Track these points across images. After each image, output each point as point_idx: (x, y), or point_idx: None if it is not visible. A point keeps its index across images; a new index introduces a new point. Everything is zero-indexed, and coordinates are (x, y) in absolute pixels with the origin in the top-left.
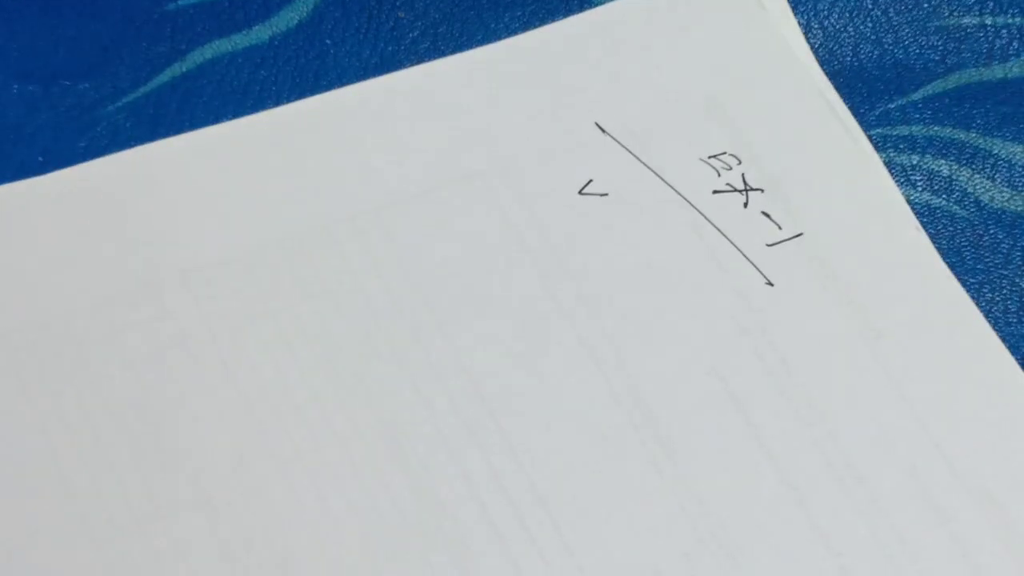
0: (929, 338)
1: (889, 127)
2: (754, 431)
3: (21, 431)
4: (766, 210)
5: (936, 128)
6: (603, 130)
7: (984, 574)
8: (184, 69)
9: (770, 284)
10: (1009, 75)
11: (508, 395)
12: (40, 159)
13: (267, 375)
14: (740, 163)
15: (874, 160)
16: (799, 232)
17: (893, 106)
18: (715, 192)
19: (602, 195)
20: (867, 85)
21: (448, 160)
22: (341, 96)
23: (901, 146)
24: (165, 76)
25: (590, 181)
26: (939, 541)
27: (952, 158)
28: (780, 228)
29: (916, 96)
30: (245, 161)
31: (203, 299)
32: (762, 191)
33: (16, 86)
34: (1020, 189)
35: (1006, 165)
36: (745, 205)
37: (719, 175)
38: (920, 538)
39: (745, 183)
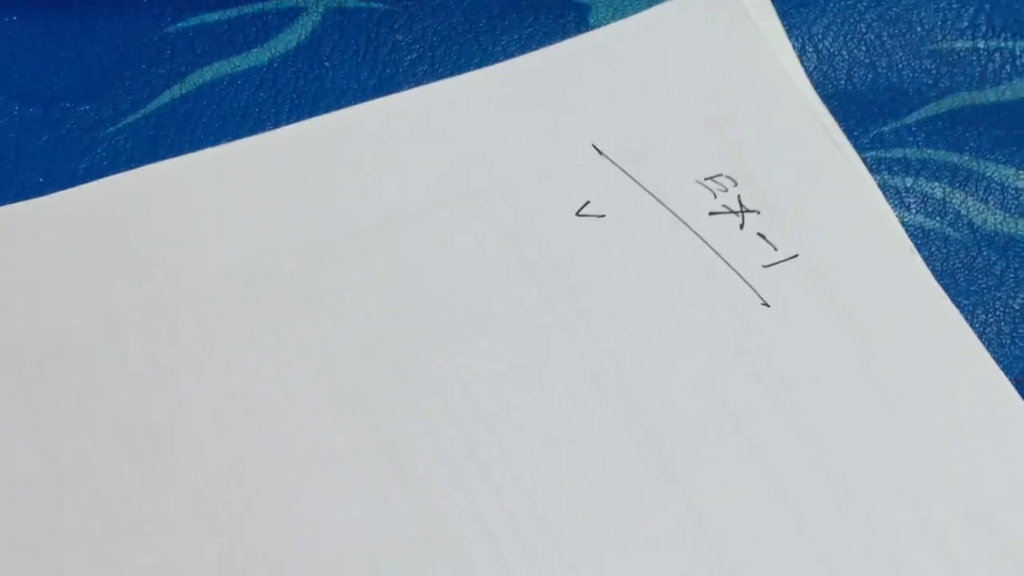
0: (923, 358)
1: (883, 150)
2: (753, 449)
3: (23, 446)
4: (762, 231)
5: (929, 151)
6: (600, 152)
7: None
8: (184, 91)
9: (766, 305)
10: (1002, 99)
11: (507, 411)
12: (40, 180)
13: (267, 390)
14: (736, 185)
15: (868, 182)
16: (795, 253)
17: (887, 129)
18: (711, 213)
19: (599, 216)
20: (861, 108)
21: (447, 180)
22: (340, 118)
23: (895, 168)
24: (165, 98)
25: (587, 202)
26: (933, 561)
27: (945, 181)
28: (776, 249)
29: (909, 119)
30: (245, 181)
31: (204, 316)
32: (758, 213)
33: (17, 108)
34: (1013, 212)
35: (999, 188)
36: (741, 227)
37: (715, 197)
38: (914, 558)
39: (741, 205)
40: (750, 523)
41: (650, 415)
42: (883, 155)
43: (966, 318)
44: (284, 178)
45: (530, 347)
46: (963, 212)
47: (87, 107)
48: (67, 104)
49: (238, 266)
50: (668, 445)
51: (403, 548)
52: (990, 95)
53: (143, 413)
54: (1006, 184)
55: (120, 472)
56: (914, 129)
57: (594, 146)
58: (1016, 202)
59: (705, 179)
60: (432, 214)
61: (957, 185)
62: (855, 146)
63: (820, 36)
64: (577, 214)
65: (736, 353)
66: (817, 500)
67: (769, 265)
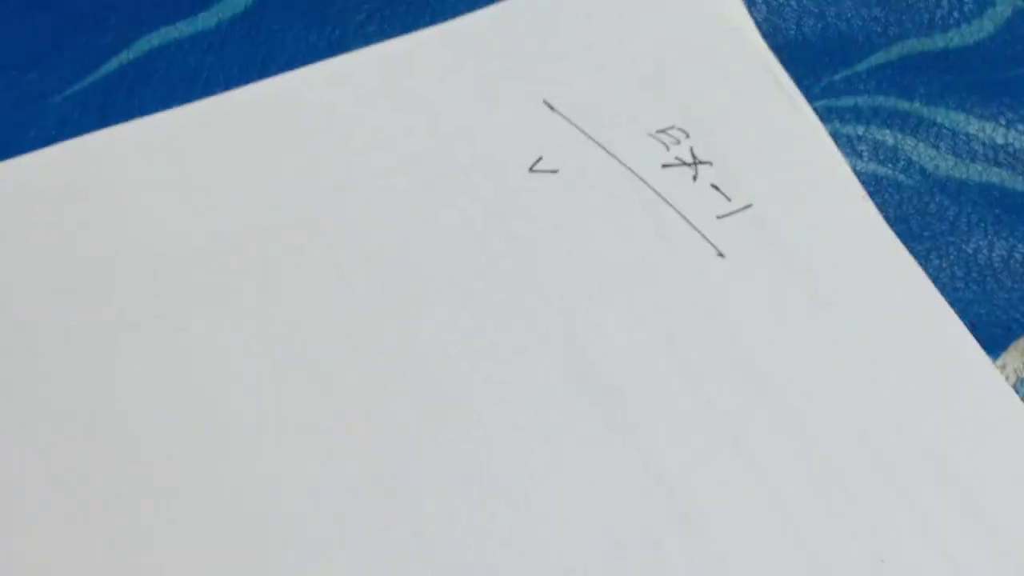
0: (877, 304)
1: (834, 98)
2: (709, 401)
3: None
4: (715, 183)
5: (880, 98)
6: (552, 108)
7: (936, 533)
8: (131, 57)
9: (721, 255)
10: (951, 45)
11: (462, 372)
12: None
13: (226, 362)
14: (688, 137)
15: (819, 131)
16: (748, 203)
17: (837, 77)
18: (664, 166)
19: (552, 171)
20: (811, 57)
21: (397, 141)
22: (289, 80)
23: (846, 117)
24: (112, 64)
25: (540, 158)
26: (891, 503)
27: (897, 128)
28: (729, 200)
29: (860, 67)
30: (196, 147)
31: (157, 287)
32: (711, 164)
33: None
34: (964, 157)
35: (950, 133)
36: (694, 178)
37: (668, 149)
38: (872, 501)
39: (694, 156)
40: (709, 476)
41: (606, 370)
42: (834, 104)
43: (920, 263)
44: (233, 143)
45: (483, 305)
46: (915, 158)
47: (34, 75)
48: (13, 72)
49: (191, 232)
50: (625, 401)
51: (364, 516)
52: (939, 41)
53: (99, 383)
54: (957, 130)
55: (71, 443)
56: (864, 77)
57: (545, 102)
58: (967, 147)
59: (657, 132)
60: (382, 177)
61: (908, 132)
62: (806, 95)
63: None
64: (530, 170)
65: (692, 304)
66: (774, 449)
67: (723, 216)
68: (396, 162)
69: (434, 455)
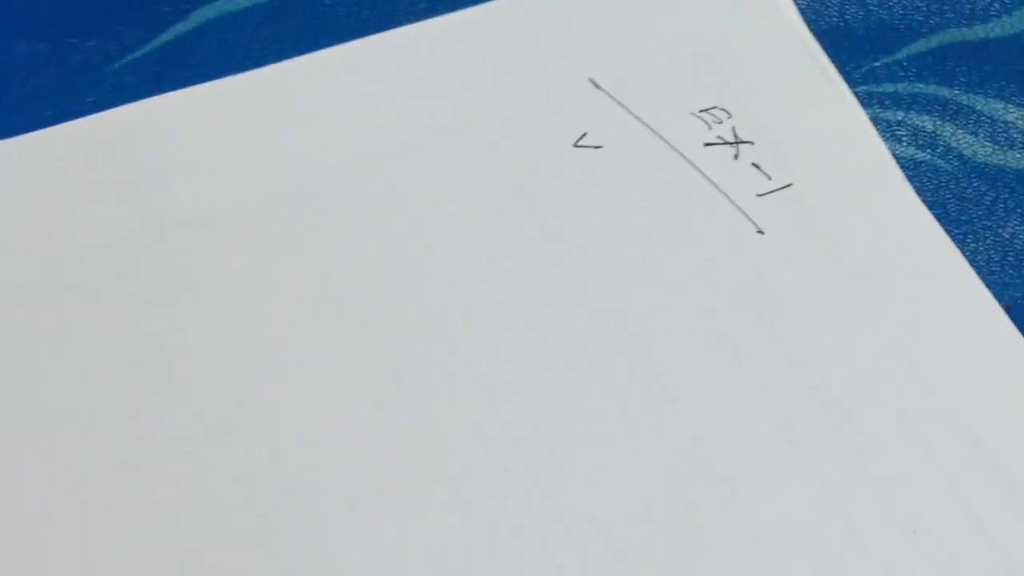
0: (913, 282)
1: (875, 84)
2: (746, 373)
3: (33, 371)
4: (756, 162)
5: (920, 85)
6: (597, 85)
7: (969, 506)
8: (188, 28)
9: (760, 232)
10: (991, 35)
11: (507, 338)
12: (48, 114)
13: (270, 317)
14: (730, 117)
15: (859, 113)
16: (788, 183)
17: (878, 64)
18: (706, 145)
19: (597, 147)
20: (853, 44)
21: (446, 113)
22: (341, 52)
23: (887, 102)
24: (169, 35)
25: (585, 134)
26: (926, 475)
27: (936, 114)
28: (770, 179)
29: (901, 55)
30: (247, 114)
31: (207, 245)
32: (752, 144)
33: (25, 44)
34: (1002, 144)
35: (988, 121)
36: (735, 157)
37: (710, 128)
38: (908, 472)
39: (736, 136)
40: (746, 445)
41: (646, 342)
42: (875, 89)
43: (957, 247)
44: (287, 110)
45: (528, 276)
46: (953, 144)
47: (93, 43)
48: (74, 40)
49: (240, 196)
50: (665, 371)
51: (404, 468)
52: (979, 31)
53: (149, 336)
54: (995, 117)
55: (126, 394)
56: (905, 64)
57: (591, 80)
58: (1005, 135)
59: (700, 111)
60: (431, 146)
61: (947, 118)
62: (847, 81)
63: None
64: (574, 145)
65: (731, 280)
66: (811, 420)
67: (763, 194)
68: (444, 131)
69: (473, 418)
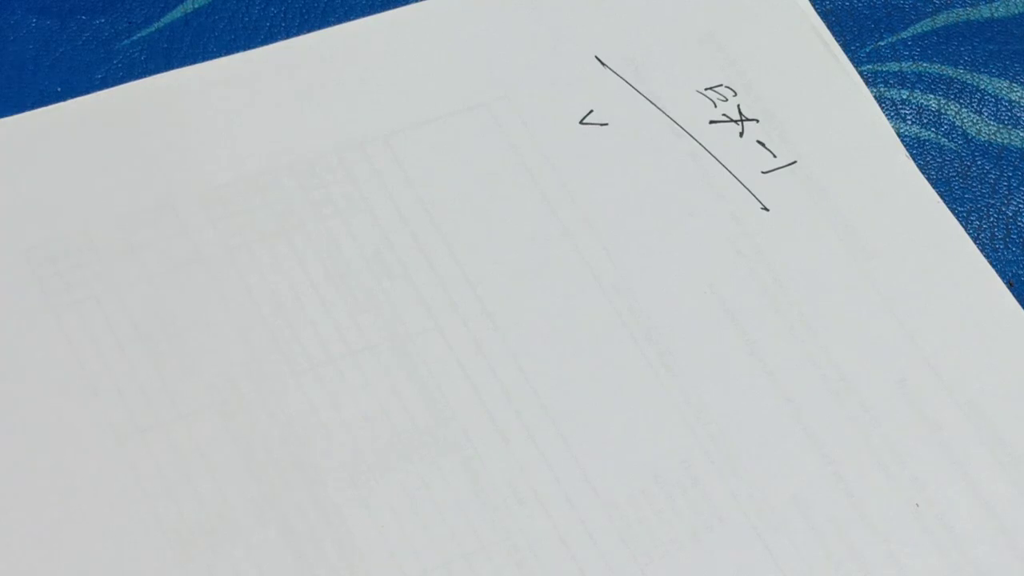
0: (916, 258)
1: (880, 63)
2: (750, 347)
3: (46, 340)
4: (761, 139)
5: (925, 64)
6: (603, 63)
7: (971, 480)
8: (196, 5)
9: (765, 209)
10: (995, 14)
11: (513, 310)
12: (58, 90)
13: (280, 290)
14: (736, 95)
15: (863, 92)
16: (793, 160)
17: (883, 44)
18: (712, 122)
19: (602, 124)
20: (858, 24)
21: (453, 90)
22: (350, 29)
23: (891, 81)
24: (178, 12)
25: (591, 111)
26: (929, 449)
27: (940, 93)
28: (775, 156)
29: (905, 34)
30: (258, 89)
31: (218, 218)
32: (757, 121)
33: (35, 20)
34: (1006, 122)
35: (992, 100)
36: (741, 135)
37: (715, 106)
38: (910, 447)
39: (741, 114)
40: (748, 416)
41: (651, 315)
42: (880, 68)
43: (961, 224)
44: (293, 88)
45: (534, 250)
46: (957, 123)
47: (102, 20)
48: (83, 17)
49: (251, 169)
50: (669, 344)
51: (414, 438)
52: (984, 11)
53: (160, 307)
54: (999, 96)
55: (139, 360)
56: (910, 43)
57: (597, 58)
58: (1009, 113)
59: (706, 89)
60: (439, 123)
61: (952, 97)
62: (853, 60)
63: None
64: (580, 122)
65: (734, 255)
66: (814, 394)
67: (768, 171)
68: (452, 108)
69: (482, 382)
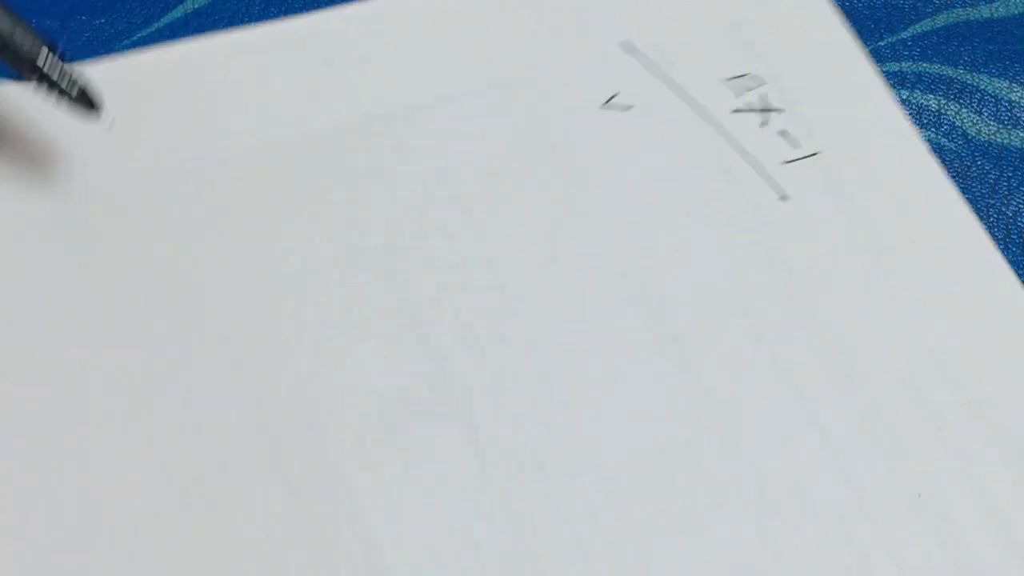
0: (934, 255)
1: (880, 64)
2: (760, 333)
3: (67, 287)
4: (784, 130)
5: (925, 65)
6: (630, 49)
7: (976, 476)
8: (196, 5)
9: (784, 198)
10: (995, 15)
11: (528, 289)
12: None
13: (297, 254)
14: (761, 85)
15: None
16: (814, 152)
17: (883, 44)
18: (735, 111)
19: (625, 109)
20: (858, 24)
21: (478, 69)
22: (377, 5)
23: (892, 82)
24: (178, 12)
25: (615, 95)
26: (933, 443)
27: (940, 93)
28: (797, 147)
29: (905, 34)
30: (286, 58)
31: (240, 182)
32: (781, 112)
33: (35, 21)
34: (1006, 122)
35: (992, 100)
36: (763, 125)
37: (739, 96)
38: (914, 439)
39: (764, 104)
40: (754, 401)
41: (664, 299)
42: (880, 69)
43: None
44: (324, 57)
45: (551, 230)
46: (958, 123)
47: (102, 20)
48: (83, 17)
49: (275, 137)
50: (678, 324)
51: (417, 401)
52: (984, 11)
53: (179, 263)
54: (999, 96)
55: (154, 317)
56: (910, 44)
57: (623, 43)
58: (1009, 114)
59: (730, 79)
60: (463, 100)
61: (952, 97)
62: None
63: None
64: (604, 105)
65: (751, 243)
66: (819, 382)
67: (789, 162)
68: (476, 87)
69: (492, 357)
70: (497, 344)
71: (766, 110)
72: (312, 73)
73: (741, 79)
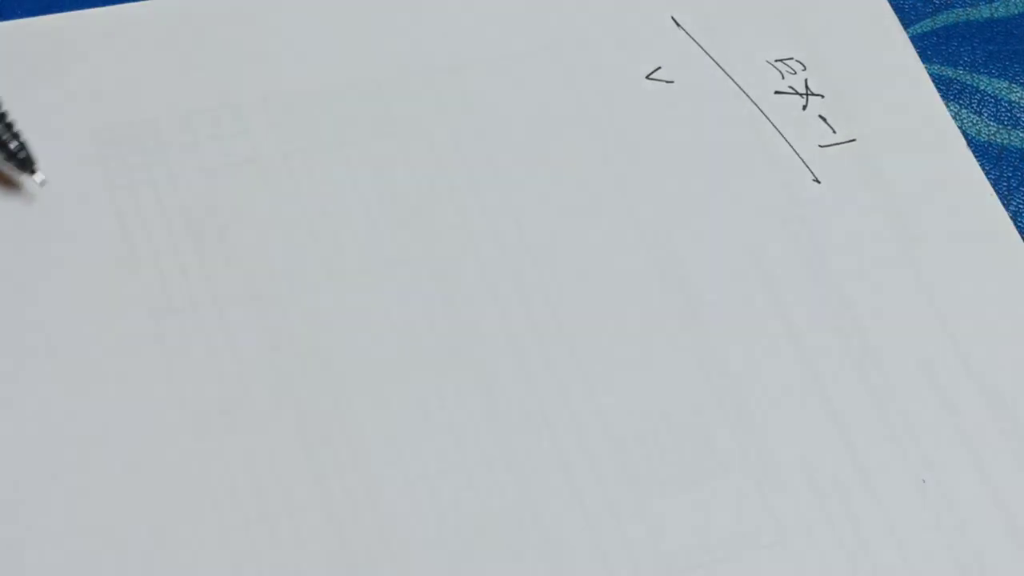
0: (963, 247)
1: None
2: (779, 309)
3: (98, 215)
4: (824, 114)
5: (925, 64)
6: (678, 24)
7: (982, 464)
8: None
9: (817, 181)
10: (995, 15)
11: (554, 248)
12: None
13: (329, 199)
14: (805, 69)
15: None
16: (852, 138)
17: None
18: (777, 93)
19: (668, 82)
20: None
21: (524, 31)
22: None
23: None
24: None
25: (659, 68)
26: (943, 429)
27: (940, 93)
28: (835, 132)
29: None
30: (333, 5)
31: (279, 123)
32: (822, 97)
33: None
34: (1006, 123)
35: (992, 100)
36: (804, 108)
37: (783, 77)
38: (924, 425)
39: (807, 88)
40: (765, 372)
41: (686, 264)
42: None
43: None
44: (372, 6)
45: (581, 194)
46: (957, 123)
47: None
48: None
49: (316, 83)
50: (699, 292)
51: (435, 352)
52: (984, 11)
53: (212, 200)
54: (999, 97)
55: (185, 247)
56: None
57: (673, 18)
58: (1009, 114)
59: (776, 60)
60: (507, 61)
61: (951, 98)
62: None
63: None
64: (647, 77)
65: (780, 222)
66: (834, 361)
67: (826, 146)
68: (522, 49)
69: (513, 311)
70: (518, 302)
71: (808, 94)
72: (360, 21)
73: (786, 62)
